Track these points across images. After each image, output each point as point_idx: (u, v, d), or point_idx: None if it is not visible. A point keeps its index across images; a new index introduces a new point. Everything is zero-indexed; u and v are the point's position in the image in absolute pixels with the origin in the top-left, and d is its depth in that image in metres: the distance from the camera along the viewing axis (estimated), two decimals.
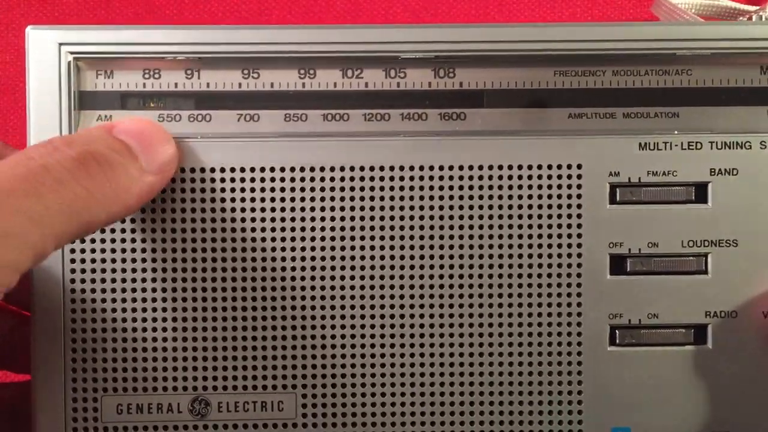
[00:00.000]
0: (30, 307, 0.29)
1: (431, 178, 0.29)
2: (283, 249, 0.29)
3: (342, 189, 0.29)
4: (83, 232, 0.26)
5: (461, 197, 0.29)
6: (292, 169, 0.29)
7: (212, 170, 0.29)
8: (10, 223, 0.23)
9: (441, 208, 0.29)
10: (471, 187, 0.29)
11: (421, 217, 0.29)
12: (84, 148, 0.26)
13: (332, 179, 0.29)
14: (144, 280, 0.29)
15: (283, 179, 0.29)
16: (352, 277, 0.29)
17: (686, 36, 0.29)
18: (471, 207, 0.29)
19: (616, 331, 0.30)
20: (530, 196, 0.29)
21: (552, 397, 0.30)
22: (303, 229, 0.29)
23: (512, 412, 0.30)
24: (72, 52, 0.29)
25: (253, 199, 0.29)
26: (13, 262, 0.24)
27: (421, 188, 0.29)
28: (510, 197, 0.29)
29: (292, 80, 0.30)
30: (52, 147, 0.26)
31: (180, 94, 0.30)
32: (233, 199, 0.29)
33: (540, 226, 0.29)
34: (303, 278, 0.29)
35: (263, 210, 0.29)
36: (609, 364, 0.30)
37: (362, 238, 0.29)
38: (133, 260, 0.29)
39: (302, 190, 0.29)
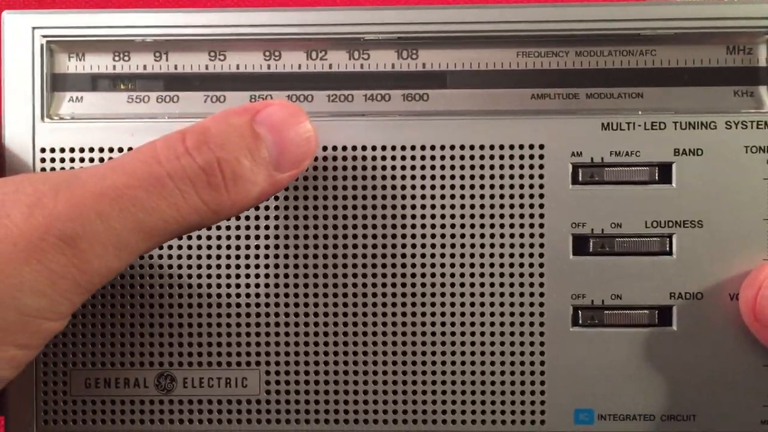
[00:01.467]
0: None
1: (393, 158, 0.30)
2: (248, 228, 0.30)
3: (305, 169, 0.30)
4: (186, 233, 0.26)
5: (423, 177, 0.29)
6: None
7: None
8: (127, 236, 0.24)
9: (403, 188, 0.29)
10: (433, 167, 0.29)
11: (383, 197, 0.29)
12: (213, 156, 0.25)
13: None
14: None
15: None
16: (315, 256, 0.30)
17: (650, 16, 0.29)
18: (433, 187, 0.29)
19: (579, 312, 0.29)
20: (492, 176, 0.29)
21: (515, 377, 0.29)
22: (267, 207, 0.30)
23: (474, 392, 0.30)
24: (45, 36, 0.30)
25: None
26: (119, 269, 0.25)
27: (384, 168, 0.30)
28: (472, 177, 0.29)
29: (257, 62, 0.30)
30: (182, 149, 0.25)
31: (149, 76, 0.30)
32: None
33: (502, 206, 0.29)
34: (267, 256, 0.30)
35: None
36: (572, 345, 0.29)
37: (325, 217, 0.30)
38: None
39: None
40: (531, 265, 0.29)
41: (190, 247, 0.30)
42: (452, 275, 0.29)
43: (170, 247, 0.30)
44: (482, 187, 0.29)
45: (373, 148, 0.30)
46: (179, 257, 0.30)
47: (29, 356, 0.25)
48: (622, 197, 0.29)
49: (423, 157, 0.29)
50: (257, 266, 0.30)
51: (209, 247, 0.30)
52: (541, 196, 0.29)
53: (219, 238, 0.30)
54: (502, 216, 0.29)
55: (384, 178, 0.30)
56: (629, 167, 0.29)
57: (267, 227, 0.30)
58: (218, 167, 0.25)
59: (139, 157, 0.25)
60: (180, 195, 0.25)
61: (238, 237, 0.30)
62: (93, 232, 0.24)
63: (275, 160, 0.26)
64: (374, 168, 0.30)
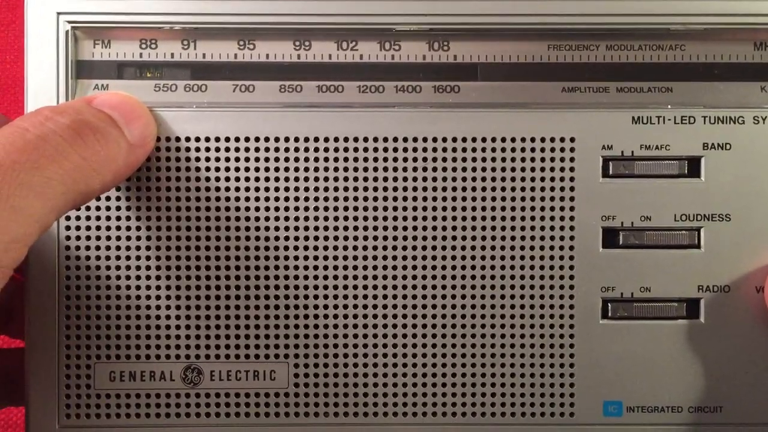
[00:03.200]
0: (24, 273, 0.29)
1: (425, 149, 0.29)
2: (277, 219, 0.29)
3: (336, 159, 0.29)
4: (80, 202, 0.26)
5: (454, 169, 0.29)
6: (287, 139, 0.29)
7: (207, 139, 0.29)
8: (16, 198, 0.23)
9: (434, 179, 0.29)
10: (464, 159, 0.29)
11: (414, 188, 0.29)
12: (77, 117, 0.26)
13: (326, 150, 0.29)
14: (138, 248, 0.29)
15: (277, 149, 0.29)
16: (345, 248, 0.29)
17: (680, 11, 0.29)
18: (464, 179, 0.29)
19: (609, 305, 0.30)
20: (523, 169, 0.29)
21: (544, 370, 0.30)
22: (297, 198, 0.29)
23: (504, 384, 0.30)
24: (70, 21, 0.29)
25: (247, 169, 0.29)
26: (22, 236, 0.24)
27: (415, 159, 0.29)
28: (503, 170, 0.29)
29: (287, 51, 0.30)
30: (43, 117, 0.26)
31: (176, 65, 0.30)
32: (227, 169, 0.29)
33: (533, 199, 0.29)
34: (297, 248, 0.29)
35: (257, 180, 0.29)
36: (601, 338, 0.30)
37: (355, 208, 0.29)
38: (128, 228, 0.29)
39: (296, 160, 0.29)
40: (561, 258, 0.29)
41: (218, 239, 0.29)
42: (483, 267, 0.29)
43: (198, 239, 0.29)
44: (513, 179, 0.29)
45: (404, 140, 0.29)
46: (207, 248, 0.29)
47: None
48: (652, 191, 0.29)
49: (454, 149, 0.29)
50: (287, 258, 0.29)
51: (238, 239, 0.29)
52: (572, 189, 0.29)
53: (248, 229, 0.29)
54: (532, 209, 0.29)
55: (415, 170, 0.29)
56: (659, 161, 0.29)
57: (297, 218, 0.29)
58: (86, 125, 0.26)
59: (6, 131, 0.25)
60: (56, 151, 0.25)
61: (267, 228, 0.29)
62: None
63: (127, 131, 0.27)
64: (405, 160, 0.29)
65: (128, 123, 0.28)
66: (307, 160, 0.29)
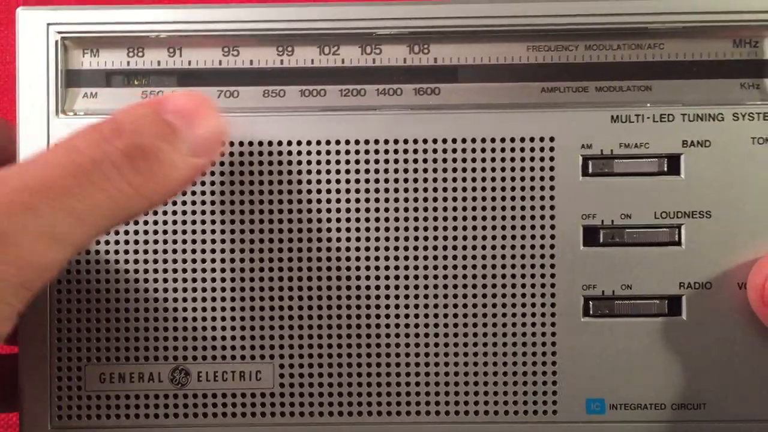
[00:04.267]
0: None
1: (406, 151, 0.30)
2: (261, 221, 0.30)
3: (318, 162, 0.30)
4: (122, 223, 0.26)
5: (435, 170, 0.30)
6: (270, 143, 0.30)
7: None
8: (60, 225, 0.23)
9: (416, 180, 0.30)
10: (445, 160, 0.30)
11: (396, 190, 0.30)
12: (132, 141, 0.25)
13: (309, 153, 0.30)
14: (126, 252, 0.30)
15: (261, 153, 0.30)
16: (329, 249, 0.30)
17: (658, 10, 0.30)
18: (445, 180, 0.30)
19: (590, 302, 0.30)
20: (503, 169, 0.30)
21: (527, 368, 0.30)
22: (281, 201, 0.30)
23: (487, 383, 0.30)
24: (60, 32, 0.30)
25: (232, 173, 0.30)
26: (59, 262, 0.24)
27: (396, 161, 0.30)
28: (483, 170, 0.30)
29: (270, 57, 0.31)
30: (99, 137, 0.25)
31: (163, 72, 0.31)
32: (212, 173, 0.30)
33: (513, 198, 0.30)
34: (280, 250, 0.30)
35: (242, 183, 0.30)
36: (583, 336, 0.30)
37: (338, 210, 0.30)
38: (116, 232, 0.30)
39: (280, 163, 0.30)
40: (542, 256, 0.30)
41: (204, 242, 0.30)
42: (464, 267, 0.30)
43: (184, 242, 0.30)
44: (493, 179, 0.30)
45: (386, 142, 0.30)
46: (193, 251, 0.30)
47: None
48: (632, 188, 0.30)
49: (435, 151, 0.30)
50: (271, 259, 0.30)
51: (223, 241, 0.30)
52: (552, 188, 0.30)
53: (233, 232, 0.30)
54: (513, 208, 0.30)
55: (397, 171, 0.30)
56: (638, 159, 0.30)
57: (281, 221, 0.30)
58: (140, 152, 0.25)
59: (58, 151, 0.25)
60: (106, 179, 0.24)
61: (252, 231, 0.30)
62: (21, 225, 0.23)
63: (189, 145, 0.26)
64: (387, 161, 0.30)
65: (193, 133, 0.26)
66: (290, 163, 0.30)
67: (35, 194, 0.23)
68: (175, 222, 0.30)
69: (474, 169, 0.30)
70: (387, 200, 0.30)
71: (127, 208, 0.25)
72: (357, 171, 0.30)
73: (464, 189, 0.30)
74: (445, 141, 0.30)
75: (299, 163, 0.30)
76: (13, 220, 0.23)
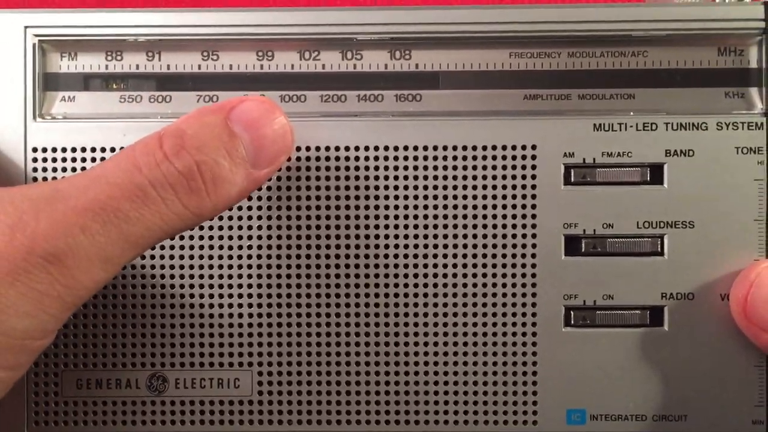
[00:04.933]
0: None
1: (386, 158, 0.30)
2: (240, 228, 0.30)
3: (298, 169, 0.30)
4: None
5: (416, 177, 0.29)
6: None
7: None
8: (113, 248, 0.24)
9: (396, 188, 0.30)
10: (425, 168, 0.29)
11: (376, 197, 0.30)
12: (191, 160, 0.25)
13: (289, 159, 0.30)
14: None
15: None
16: (308, 256, 0.30)
17: (641, 17, 0.29)
18: (425, 187, 0.29)
19: (571, 312, 0.29)
20: (485, 177, 0.29)
21: (507, 378, 0.30)
22: (260, 207, 0.30)
23: (467, 392, 0.30)
24: (37, 35, 0.30)
25: None
26: (106, 281, 0.25)
27: (377, 168, 0.30)
28: (465, 177, 0.29)
29: (250, 62, 0.30)
30: (160, 155, 0.25)
31: (141, 76, 0.30)
32: None
33: (495, 207, 0.29)
34: (260, 257, 0.30)
35: None
36: (564, 346, 0.29)
37: (318, 217, 0.30)
38: None
39: None
40: (523, 266, 0.29)
41: (182, 248, 0.30)
42: (444, 275, 0.29)
43: (162, 248, 0.30)
44: (474, 187, 0.29)
45: (366, 149, 0.30)
46: (171, 257, 0.30)
47: (17, 376, 0.25)
48: (614, 198, 0.29)
49: (416, 158, 0.29)
50: (249, 266, 0.30)
51: (201, 248, 0.30)
52: (534, 196, 0.29)
53: (212, 238, 0.30)
54: (494, 216, 0.29)
55: (377, 178, 0.30)
56: (621, 168, 0.29)
57: (260, 227, 0.30)
58: (198, 171, 0.25)
59: (119, 165, 0.25)
60: (162, 202, 0.24)
61: (230, 237, 0.30)
62: (78, 247, 0.24)
63: (252, 158, 0.26)
64: (367, 168, 0.30)
65: (258, 147, 0.26)
66: None
67: (92, 216, 0.24)
68: None
69: (455, 177, 0.29)
70: (367, 207, 0.30)
71: (179, 228, 0.25)
72: (337, 177, 0.30)
73: (444, 197, 0.29)
74: (426, 148, 0.30)
75: (279, 169, 0.29)
76: (69, 240, 0.23)
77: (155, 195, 0.24)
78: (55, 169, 0.30)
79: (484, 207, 0.29)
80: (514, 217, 0.29)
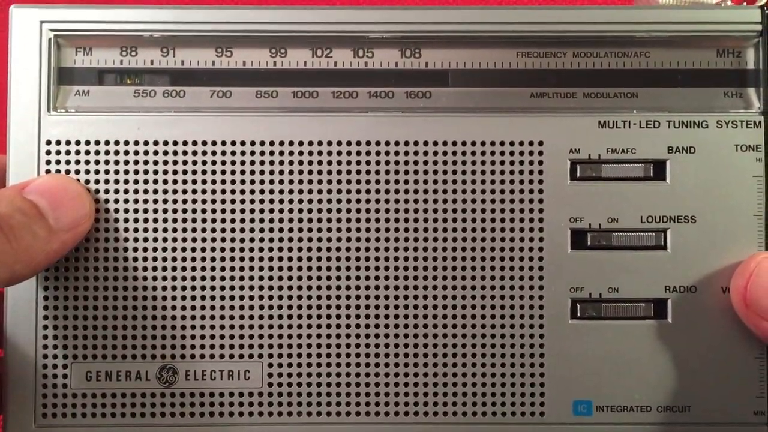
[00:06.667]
0: None
1: (397, 153, 0.30)
2: (252, 221, 0.30)
3: (310, 163, 0.30)
4: None
5: (425, 172, 0.30)
6: (262, 143, 0.30)
7: (184, 143, 0.30)
8: None
9: (406, 182, 0.30)
10: (435, 162, 0.30)
11: (387, 191, 0.30)
12: None
13: (301, 153, 0.30)
14: (116, 249, 0.30)
15: (253, 153, 0.30)
16: (319, 249, 0.30)
17: (644, 19, 0.30)
18: (435, 182, 0.30)
19: (578, 305, 0.30)
20: (493, 172, 0.30)
21: (514, 370, 0.30)
22: (272, 201, 0.30)
23: (475, 384, 0.30)
24: (53, 30, 0.30)
25: (223, 172, 0.30)
26: None
27: (387, 162, 0.30)
28: (473, 173, 0.30)
29: (263, 58, 0.31)
30: None
31: (156, 71, 0.31)
32: (204, 172, 0.30)
33: (502, 201, 0.30)
34: (271, 249, 0.30)
35: (233, 182, 0.30)
36: (570, 338, 0.30)
37: (329, 210, 0.30)
38: (106, 230, 0.30)
39: (271, 163, 0.30)
40: (531, 259, 0.30)
41: (194, 240, 0.30)
42: (453, 269, 0.30)
43: (174, 240, 0.30)
44: (483, 182, 0.30)
45: (377, 143, 0.30)
46: (183, 249, 0.30)
47: None
48: (619, 193, 0.30)
49: (426, 152, 0.30)
50: (261, 259, 0.30)
51: (214, 240, 0.30)
52: (540, 191, 0.30)
53: (224, 231, 0.30)
54: (502, 210, 0.30)
55: (387, 173, 0.30)
56: (625, 164, 0.30)
57: (272, 220, 0.30)
58: None
59: None
60: None
61: (242, 230, 0.30)
62: None
63: (53, 218, 0.28)
64: (378, 163, 0.30)
65: (56, 209, 0.28)
66: (282, 163, 0.30)
67: None
68: (165, 220, 0.30)
69: (464, 172, 0.30)
70: (378, 201, 0.30)
71: None
72: (348, 172, 0.30)
73: (454, 191, 0.30)
74: (435, 143, 0.30)
75: (291, 163, 0.30)
76: None
77: None
78: (68, 161, 0.30)
79: (492, 201, 0.30)
80: (521, 211, 0.30)
